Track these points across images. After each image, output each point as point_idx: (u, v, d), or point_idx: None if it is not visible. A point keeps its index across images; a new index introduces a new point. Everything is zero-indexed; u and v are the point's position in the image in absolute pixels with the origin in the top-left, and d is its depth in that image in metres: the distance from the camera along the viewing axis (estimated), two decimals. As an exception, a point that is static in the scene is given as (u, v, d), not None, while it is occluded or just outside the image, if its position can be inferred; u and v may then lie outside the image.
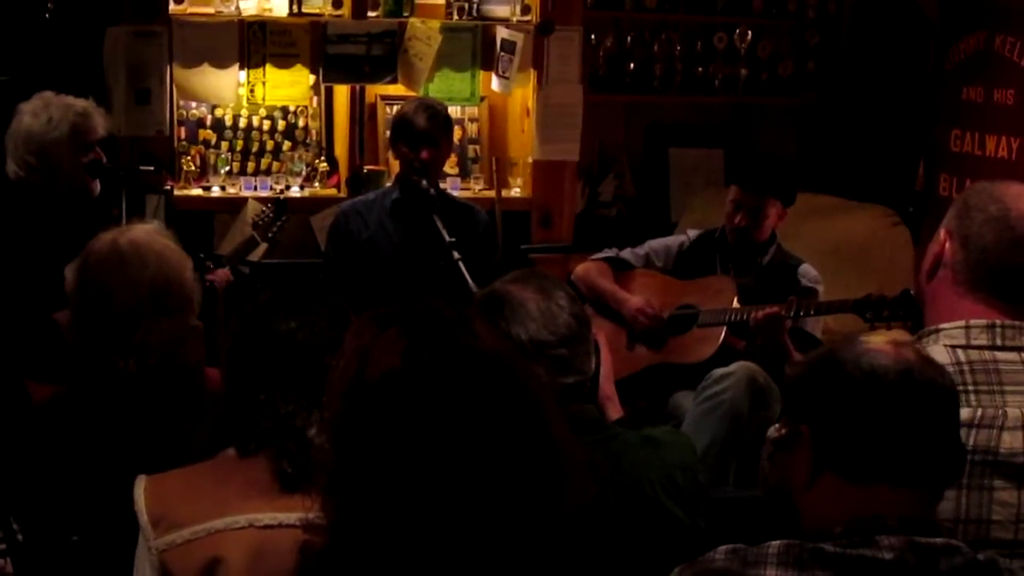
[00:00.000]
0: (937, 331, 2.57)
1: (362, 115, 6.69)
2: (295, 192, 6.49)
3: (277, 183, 6.53)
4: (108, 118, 5.03)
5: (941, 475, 2.16)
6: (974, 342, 2.52)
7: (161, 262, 3.24)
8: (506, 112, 6.98)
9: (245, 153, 6.63)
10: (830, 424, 2.13)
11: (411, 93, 6.49)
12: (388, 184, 5.81)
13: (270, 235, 5.70)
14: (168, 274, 3.23)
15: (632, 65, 6.93)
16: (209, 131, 6.59)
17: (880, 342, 2.17)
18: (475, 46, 6.64)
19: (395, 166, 5.67)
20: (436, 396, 1.70)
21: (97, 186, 4.93)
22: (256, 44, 6.44)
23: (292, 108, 6.67)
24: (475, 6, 6.55)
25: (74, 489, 3.02)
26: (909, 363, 2.12)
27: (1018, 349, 2.51)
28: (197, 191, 6.46)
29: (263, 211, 5.79)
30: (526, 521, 1.69)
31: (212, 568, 2.36)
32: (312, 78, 6.56)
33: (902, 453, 2.09)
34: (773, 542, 2.08)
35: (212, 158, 6.54)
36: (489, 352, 1.76)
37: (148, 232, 3.33)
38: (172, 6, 6.23)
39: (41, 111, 4.81)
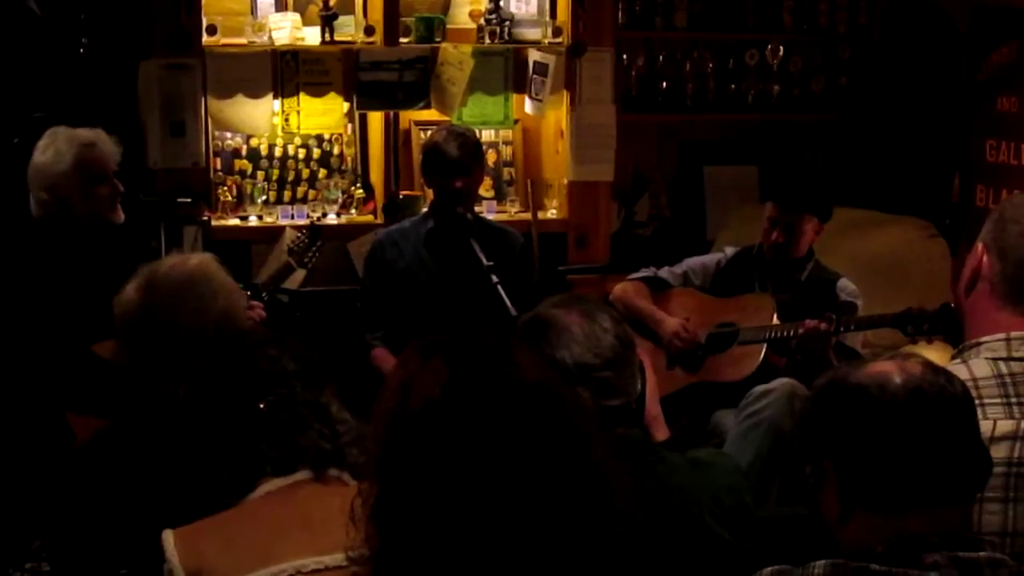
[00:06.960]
0: (978, 344, 2.57)
1: (396, 141, 6.71)
2: (331, 219, 6.50)
3: (313, 211, 6.55)
4: (119, 145, 4.87)
5: (972, 484, 2.15)
6: (1015, 354, 2.51)
7: (227, 294, 3.21)
8: (540, 134, 7.00)
9: (281, 182, 6.66)
10: (851, 457, 2.12)
11: (444, 118, 6.52)
12: (424, 210, 5.81)
13: (306, 261, 5.63)
14: (231, 308, 3.20)
15: (664, 84, 6.93)
16: (245, 161, 6.63)
17: (884, 361, 2.16)
18: (507, 69, 6.65)
19: (430, 192, 5.68)
20: (476, 427, 1.71)
21: (120, 215, 4.82)
22: (289, 73, 6.46)
23: (327, 136, 6.69)
24: (506, 30, 6.57)
25: (124, 521, 3.02)
26: (917, 378, 2.10)
27: (1059, 360, 2.50)
28: (234, 221, 6.48)
29: (298, 237, 5.76)
30: (571, 550, 1.70)
31: None
32: (346, 106, 6.57)
33: (930, 475, 2.08)
34: (818, 562, 2.07)
35: (248, 188, 6.57)
36: (530, 382, 1.77)
37: (209, 263, 3.28)
38: (205, 38, 6.26)
39: (48, 146, 4.74)
